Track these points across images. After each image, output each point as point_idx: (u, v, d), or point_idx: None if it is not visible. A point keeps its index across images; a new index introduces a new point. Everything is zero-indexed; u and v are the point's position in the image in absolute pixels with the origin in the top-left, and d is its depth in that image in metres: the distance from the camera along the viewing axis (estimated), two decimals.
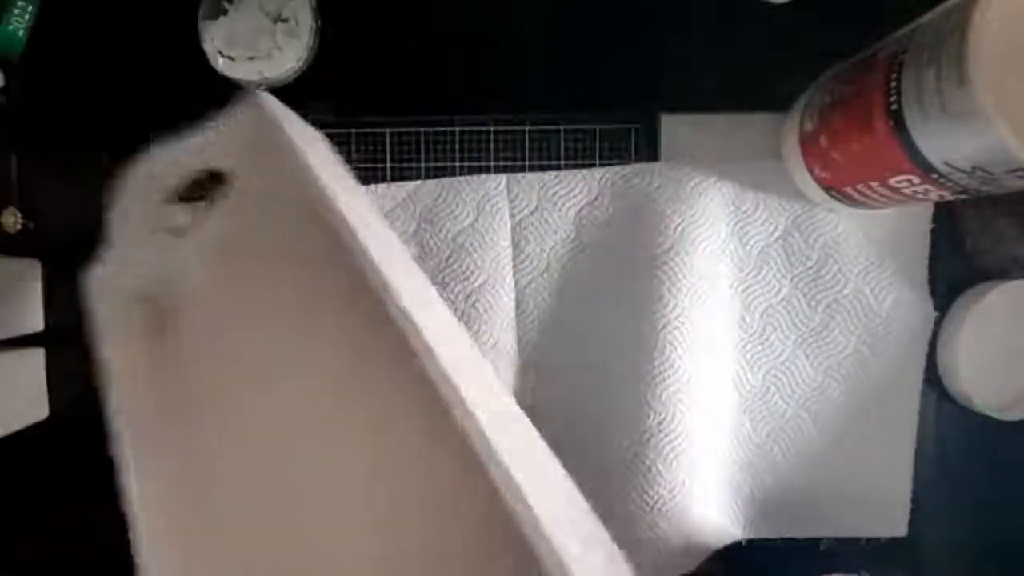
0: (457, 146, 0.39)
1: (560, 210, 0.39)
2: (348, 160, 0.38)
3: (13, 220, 0.40)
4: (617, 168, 0.39)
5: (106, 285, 0.33)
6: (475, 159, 0.39)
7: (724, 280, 0.38)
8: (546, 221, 0.39)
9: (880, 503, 0.39)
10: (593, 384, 0.39)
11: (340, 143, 0.39)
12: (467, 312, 0.38)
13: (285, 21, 0.37)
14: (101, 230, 0.33)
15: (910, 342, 0.39)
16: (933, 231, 0.38)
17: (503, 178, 0.39)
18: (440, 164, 0.39)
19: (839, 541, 0.40)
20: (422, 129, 0.39)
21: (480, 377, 0.28)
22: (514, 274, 0.39)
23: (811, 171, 0.35)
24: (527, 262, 0.39)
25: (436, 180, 0.39)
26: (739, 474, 0.40)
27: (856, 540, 0.40)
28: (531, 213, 0.39)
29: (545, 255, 0.39)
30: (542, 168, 0.39)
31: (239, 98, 0.31)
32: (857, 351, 0.39)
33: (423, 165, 0.39)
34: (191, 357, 0.34)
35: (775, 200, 0.38)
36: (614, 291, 0.38)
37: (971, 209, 0.38)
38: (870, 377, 0.39)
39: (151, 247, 0.33)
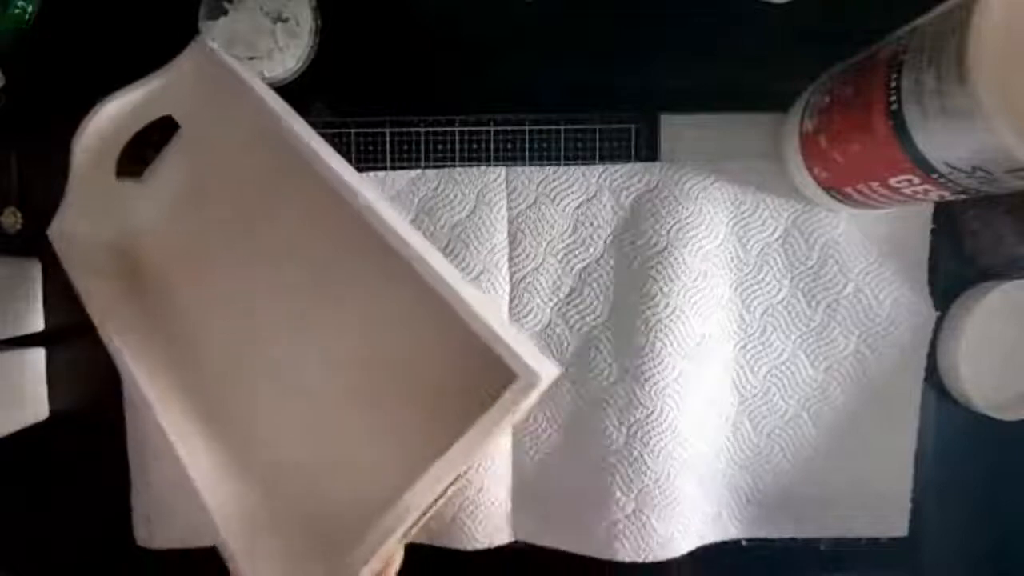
0: (457, 146, 0.39)
1: (558, 206, 0.39)
2: (348, 160, 0.38)
3: (13, 220, 0.40)
4: (616, 167, 0.39)
5: (74, 236, 0.35)
6: (475, 159, 0.39)
7: (723, 280, 0.38)
8: (543, 216, 0.39)
9: (880, 503, 0.39)
10: (584, 377, 0.39)
11: (340, 143, 0.39)
12: None
13: (285, 21, 0.37)
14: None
15: (910, 342, 0.39)
16: (933, 231, 0.38)
17: (502, 171, 0.39)
18: (440, 164, 0.39)
19: (839, 541, 0.40)
20: (422, 129, 0.39)
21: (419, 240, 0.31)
22: (509, 267, 0.39)
23: (811, 171, 0.35)
24: (523, 255, 0.39)
25: (435, 171, 0.39)
26: (739, 474, 0.40)
27: (856, 540, 0.40)
28: (528, 207, 0.39)
29: (541, 249, 0.39)
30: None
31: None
32: (857, 351, 0.39)
33: (423, 165, 0.39)
34: (166, 285, 0.37)
35: (775, 200, 0.38)
36: (608, 288, 0.39)
37: (971, 209, 0.38)
38: (870, 377, 0.39)
39: (109, 197, 0.35)
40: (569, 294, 0.39)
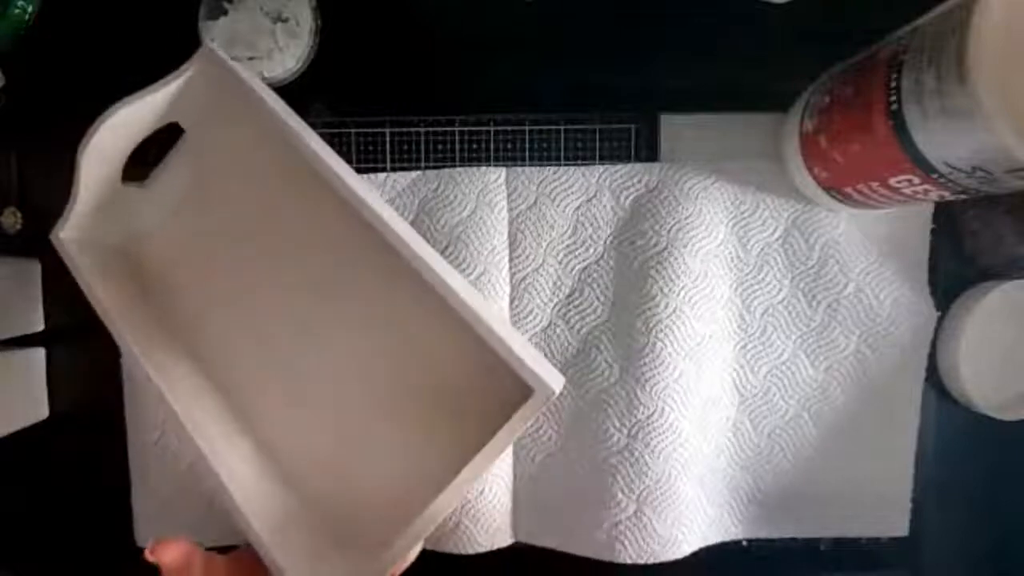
0: (457, 146, 0.39)
1: (558, 206, 0.39)
2: (348, 160, 0.38)
3: (13, 220, 0.40)
4: (616, 167, 0.39)
5: (79, 242, 0.35)
6: (475, 159, 0.39)
7: (724, 280, 0.38)
8: (543, 216, 0.39)
9: (880, 503, 0.39)
10: (585, 378, 0.39)
11: (340, 143, 0.39)
12: None
13: (285, 21, 0.37)
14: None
15: (910, 342, 0.39)
16: (933, 231, 0.38)
17: (502, 171, 0.39)
18: (440, 164, 0.39)
19: (839, 541, 0.40)
20: (422, 129, 0.39)
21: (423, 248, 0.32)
22: (510, 267, 0.39)
23: (811, 171, 0.35)
24: (523, 256, 0.39)
25: (436, 171, 0.39)
26: (739, 474, 0.40)
27: (856, 540, 0.40)
28: (529, 208, 0.39)
29: (541, 250, 0.39)
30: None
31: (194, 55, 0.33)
32: (858, 351, 0.39)
33: (423, 165, 0.39)
34: (171, 287, 0.37)
35: (775, 200, 0.38)
36: (608, 289, 0.39)
37: (971, 209, 0.38)
38: (870, 377, 0.39)
39: (114, 203, 0.35)
40: (569, 294, 0.39)
